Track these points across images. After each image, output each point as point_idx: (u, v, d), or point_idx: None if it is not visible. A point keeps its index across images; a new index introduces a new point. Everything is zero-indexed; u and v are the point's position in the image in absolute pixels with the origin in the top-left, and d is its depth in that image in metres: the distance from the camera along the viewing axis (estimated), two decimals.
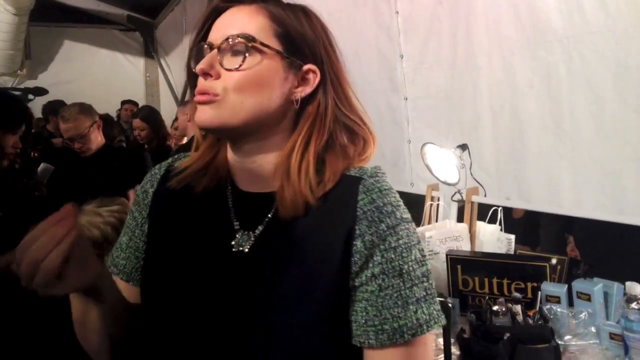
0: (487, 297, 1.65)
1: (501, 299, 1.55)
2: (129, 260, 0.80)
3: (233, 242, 0.71)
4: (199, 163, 0.77)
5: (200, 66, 0.70)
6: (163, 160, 0.86)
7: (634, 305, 1.39)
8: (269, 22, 0.72)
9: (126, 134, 4.51)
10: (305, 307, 0.66)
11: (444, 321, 0.68)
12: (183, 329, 0.70)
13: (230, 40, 0.70)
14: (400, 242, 0.68)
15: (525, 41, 1.93)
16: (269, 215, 0.72)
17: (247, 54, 0.69)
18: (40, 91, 4.41)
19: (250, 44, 0.70)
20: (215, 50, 0.71)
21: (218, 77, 0.70)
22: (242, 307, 0.67)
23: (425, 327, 0.66)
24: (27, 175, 2.94)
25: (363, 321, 0.66)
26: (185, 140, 3.21)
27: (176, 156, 0.85)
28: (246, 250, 0.70)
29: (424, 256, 0.70)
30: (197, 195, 0.76)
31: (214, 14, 0.75)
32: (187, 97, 4.59)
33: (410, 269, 0.67)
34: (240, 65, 0.69)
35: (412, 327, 0.65)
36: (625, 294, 1.44)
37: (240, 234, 0.72)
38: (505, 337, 1.44)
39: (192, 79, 0.77)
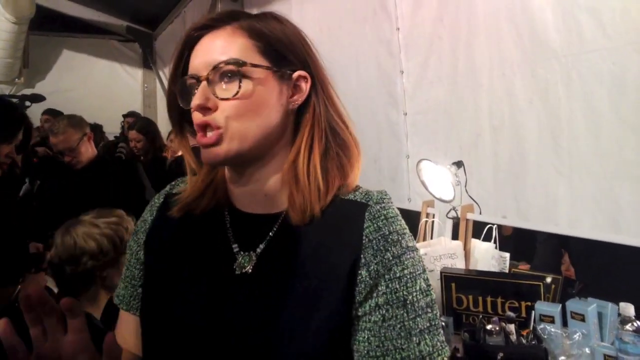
0: (480, 316, 1.64)
1: (495, 318, 1.55)
2: (126, 290, 0.80)
3: (235, 265, 0.70)
4: (198, 188, 0.76)
5: (196, 102, 0.68)
6: (159, 172, 0.85)
7: (628, 326, 1.39)
8: (249, 41, 0.70)
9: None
10: (309, 330, 0.65)
11: (447, 353, 0.67)
12: (186, 354, 0.68)
13: (219, 68, 0.68)
14: (405, 272, 0.67)
15: (524, 59, 1.95)
16: (270, 234, 0.71)
17: (240, 80, 0.68)
18: (37, 98, 4.40)
19: (241, 69, 0.68)
20: (204, 82, 0.68)
21: (216, 108, 0.68)
22: (247, 330, 0.66)
23: (428, 359, 0.65)
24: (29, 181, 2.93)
25: (365, 351, 0.65)
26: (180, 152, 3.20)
27: (174, 183, 0.84)
28: (249, 271, 0.69)
29: (428, 286, 0.69)
30: (196, 220, 0.75)
31: (188, 45, 0.72)
32: None
33: (415, 299, 0.66)
34: (237, 93, 0.67)
35: (414, 359, 0.64)
36: (619, 314, 1.44)
37: (241, 256, 0.71)
38: (499, 357, 1.43)
39: (175, 115, 0.75)
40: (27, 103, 4.24)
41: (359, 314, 0.67)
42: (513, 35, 1.98)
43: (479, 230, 2.09)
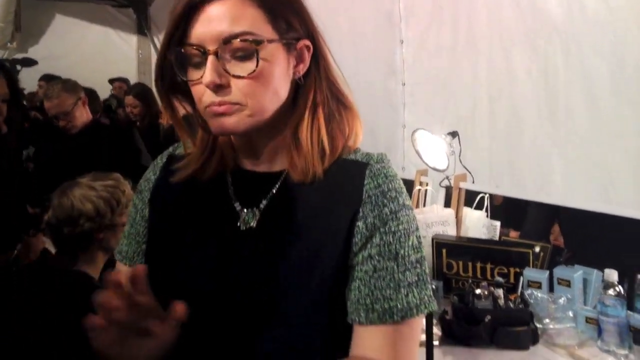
0: (470, 281, 1.69)
1: (484, 283, 1.59)
2: (130, 246, 0.81)
3: (239, 222, 0.72)
4: (201, 159, 0.76)
5: (210, 79, 0.65)
6: (155, 138, 0.86)
7: (610, 291, 1.43)
8: (257, 11, 0.66)
9: (114, 112, 4.44)
10: (312, 280, 0.67)
11: (434, 307, 0.70)
12: (191, 311, 0.71)
13: (230, 43, 0.65)
14: (400, 227, 0.69)
15: (525, 31, 1.95)
16: (273, 191, 0.73)
17: (258, 58, 0.65)
18: (28, 62, 4.33)
19: (258, 47, 0.65)
20: (213, 57, 0.65)
21: (228, 85, 0.66)
22: (252, 284, 0.68)
23: (415, 311, 0.67)
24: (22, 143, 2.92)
25: (355, 299, 0.68)
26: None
27: (176, 145, 0.85)
28: (254, 226, 0.71)
29: (420, 243, 0.71)
30: (198, 181, 0.76)
31: (188, 11, 0.66)
32: None
33: (406, 254, 0.69)
34: (253, 71, 0.65)
35: (402, 309, 0.67)
36: (603, 280, 1.48)
37: (244, 212, 0.73)
38: (486, 320, 1.48)
39: (166, 86, 0.72)
40: (18, 67, 4.18)
41: (353, 263, 0.69)
42: (514, 6, 1.97)
43: (471, 199, 2.12)
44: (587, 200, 1.80)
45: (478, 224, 1.98)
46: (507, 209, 2.61)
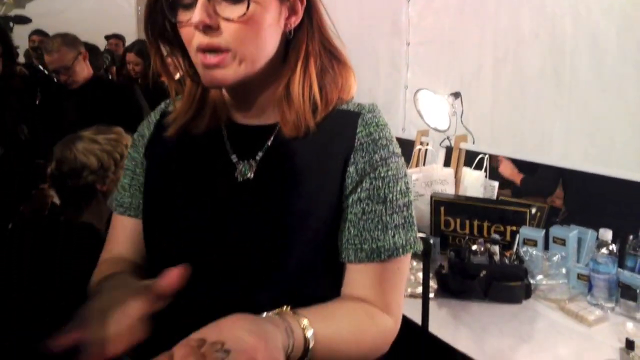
0: (467, 238, 1.72)
1: (480, 240, 1.62)
2: (134, 197, 0.82)
3: (236, 174, 0.73)
4: (191, 109, 0.76)
5: (198, 18, 0.63)
6: (157, 97, 0.85)
7: (603, 250, 1.47)
8: None
9: (106, 70, 4.37)
10: (309, 226, 0.69)
11: (420, 247, 0.73)
12: (191, 259, 0.69)
13: None
14: (389, 173, 0.71)
15: None
16: (268, 143, 0.74)
17: (249, 2, 0.64)
18: (22, 19, 4.24)
19: None
20: None
21: (218, 28, 0.65)
22: (251, 235, 0.70)
23: (401, 250, 0.70)
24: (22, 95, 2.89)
25: (345, 240, 0.71)
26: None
27: (168, 101, 0.84)
28: (251, 177, 0.72)
29: (408, 189, 0.74)
30: (192, 135, 0.76)
31: None
32: None
33: (394, 198, 0.71)
34: (244, 14, 0.64)
35: (389, 249, 0.70)
36: (597, 238, 1.51)
37: (241, 164, 0.74)
38: (481, 274, 1.52)
39: (155, 31, 0.71)
40: (11, 24, 4.09)
41: (344, 206, 0.72)
42: None
43: (471, 160, 2.14)
44: (587, 162, 1.82)
45: (476, 184, 2.00)
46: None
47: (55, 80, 2.68)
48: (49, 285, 1.70)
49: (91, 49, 2.90)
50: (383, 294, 0.70)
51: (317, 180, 0.71)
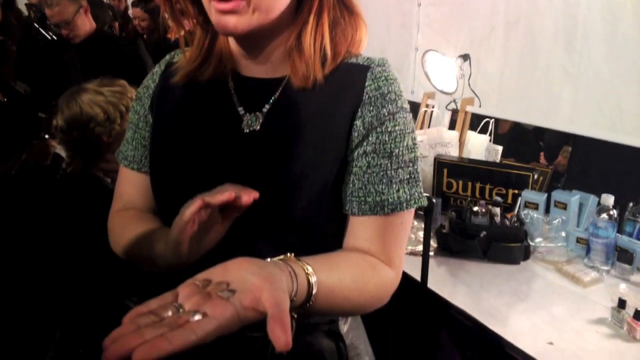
0: (468, 199, 1.74)
1: (482, 201, 1.64)
2: (137, 150, 0.82)
3: (243, 124, 0.73)
4: (199, 56, 0.76)
5: None
6: (164, 53, 0.85)
7: (604, 215, 1.48)
8: None
9: (111, 24, 4.30)
10: (314, 178, 0.70)
11: (424, 202, 0.73)
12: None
13: None
14: (397, 128, 0.71)
15: None
16: (275, 96, 0.73)
17: None
18: None
19: None
20: None
21: None
22: (256, 182, 0.70)
23: (405, 205, 0.70)
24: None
25: (349, 192, 0.72)
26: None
27: (173, 53, 0.84)
28: (257, 129, 0.73)
29: (414, 145, 0.73)
30: (198, 86, 0.76)
31: None
32: None
33: (400, 153, 0.71)
34: None
35: (392, 202, 0.70)
36: (599, 203, 1.53)
37: (247, 116, 0.74)
38: (481, 235, 1.54)
39: None
40: None
41: (349, 159, 0.72)
42: None
43: (476, 124, 2.13)
44: (593, 128, 1.81)
45: (480, 148, 2.00)
46: (511, 138, 2.61)
47: (51, 37, 2.65)
48: (53, 234, 1.73)
49: (95, 2, 2.85)
50: (385, 247, 0.71)
51: (324, 132, 0.71)
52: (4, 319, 1.84)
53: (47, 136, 2.19)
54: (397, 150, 0.71)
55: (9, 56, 2.82)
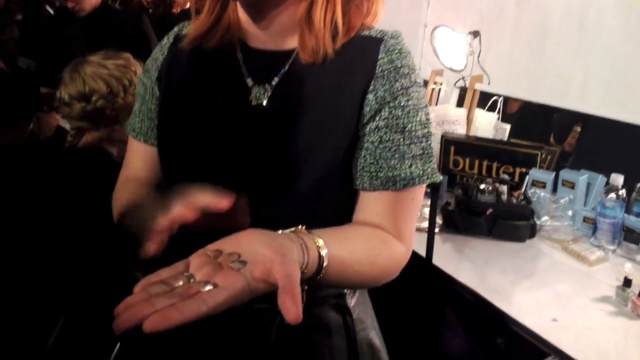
0: (475, 177, 1.73)
1: (489, 179, 1.63)
2: (143, 123, 0.82)
3: (251, 97, 0.72)
4: (207, 22, 0.75)
5: None
6: (168, 27, 0.83)
7: (613, 194, 1.47)
8: None
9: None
10: (321, 154, 0.69)
11: (438, 178, 0.72)
12: (202, 180, 0.70)
13: None
14: (410, 102, 0.70)
15: None
16: (285, 69, 0.72)
17: None
18: None
19: None
20: None
21: None
22: (262, 156, 0.70)
23: (417, 180, 0.69)
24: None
25: (361, 167, 0.71)
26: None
27: (181, 25, 0.83)
28: (264, 102, 0.71)
29: (428, 120, 0.72)
30: (207, 57, 0.75)
31: None
32: None
33: (413, 128, 0.70)
34: None
35: (404, 178, 0.69)
36: (607, 183, 1.52)
37: (256, 88, 0.72)
38: (487, 212, 1.54)
39: None
40: None
41: (361, 134, 0.71)
42: None
43: (485, 102, 2.11)
44: (602, 107, 1.79)
45: (488, 126, 1.98)
46: (519, 118, 2.59)
47: (55, 11, 2.63)
48: (56, 206, 1.74)
49: None
50: (396, 222, 0.70)
51: (334, 107, 0.70)
52: (10, 293, 1.85)
53: (47, 109, 2.19)
54: (410, 126, 0.70)
55: (11, 28, 2.81)
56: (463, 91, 2.15)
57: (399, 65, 0.70)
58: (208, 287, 0.44)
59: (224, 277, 0.45)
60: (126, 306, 0.41)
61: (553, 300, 1.26)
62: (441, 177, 0.73)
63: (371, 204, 0.71)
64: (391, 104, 0.69)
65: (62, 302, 1.62)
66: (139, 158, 0.84)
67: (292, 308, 0.43)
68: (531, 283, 1.34)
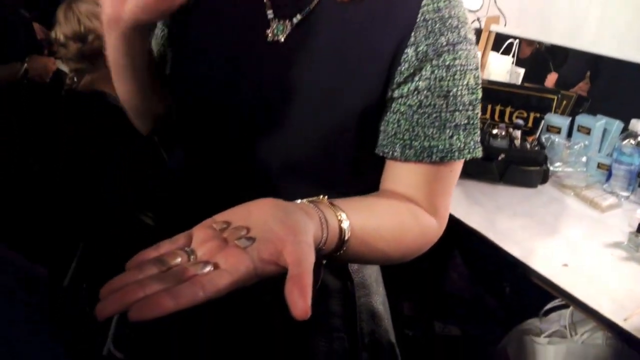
0: (488, 122, 1.68)
1: (502, 124, 1.58)
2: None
3: (268, 31, 0.64)
4: None
5: None
6: None
7: (631, 140, 1.43)
8: None
9: None
10: (340, 105, 0.61)
11: (479, 154, 0.63)
12: (213, 120, 0.67)
13: None
14: (457, 62, 0.60)
15: None
16: (311, 6, 0.63)
17: None
18: None
19: None
20: None
21: None
22: (272, 99, 0.63)
23: (457, 154, 0.61)
24: None
25: (392, 132, 0.62)
26: None
27: None
28: (281, 39, 0.64)
29: (477, 85, 0.63)
30: None
31: None
32: None
33: (459, 93, 0.60)
34: None
35: (443, 149, 0.61)
36: (625, 129, 1.47)
37: (275, 23, 0.64)
38: (499, 158, 1.50)
39: None
40: None
41: (395, 95, 0.62)
42: None
43: (499, 45, 2.03)
44: (620, 49, 1.71)
45: (502, 70, 1.92)
46: (532, 63, 2.51)
47: None
48: (54, 149, 1.71)
49: None
50: (430, 196, 0.63)
51: (362, 55, 0.61)
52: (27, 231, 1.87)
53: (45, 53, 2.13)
54: (455, 90, 0.60)
55: None
56: (478, 33, 2.06)
57: (447, 16, 0.59)
58: (208, 269, 0.39)
59: (227, 257, 0.40)
60: (111, 288, 0.36)
61: (564, 245, 1.24)
62: (482, 153, 0.64)
63: (402, 174, 0.63)
64: (434, 62, 0.59)
65: (79, 230, 1.62)
66: None
67: (299, 301, 0.37)
68: (542, 228, 1.32)
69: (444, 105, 0.60)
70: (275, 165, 0.64)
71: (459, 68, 0.60)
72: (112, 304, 0.34)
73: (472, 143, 0.62)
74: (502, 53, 2.01)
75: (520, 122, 1.59)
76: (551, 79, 2.55)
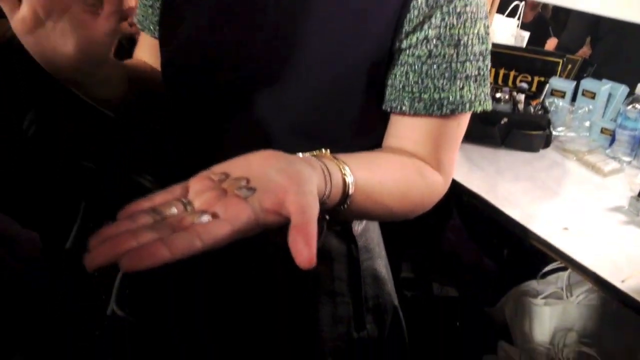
0: (491, 86, 1.65)
1: (506, 88, 1.55)
2: (140, 9, 0.73)
3: None
4: None
5: None
6: None
7: (636, 105, 1.41)
8: None
9: None
10: (345, 59, 0.58)
11: (489, 106, 0.62)
12: (211, 78, 0.64)
13: None
14: (468, 9, 0.57)
15: None
16: None
17: None
18: None
19: None
20: None
21: None
22: (274, 51, 0.60)
23: (467, 106, 0.59)
24: None
25: (401, 86, 0.60)
26: None
27: None
28: None
29: (487, 34, 0.60)
30: None
31: None
32: None
33: (470, 42, 0.58)
34: None
35: (453, 101, 0.59)
36: (631, 94, 1.45)
37: None
38: (502, 122, 1.48)
39: None
40: None
41: (403, 46, 0.59)
42: None
43: (504, 7, 1.98)
44: (624, 9, 1.66)
45: (507, 33, 1.88)
46: (536, 27, 2.46)
47: None
48: (61, 112, 1.69)
49: None
50: (437, 151, 0.61)
51: (367, 6, 0.58)
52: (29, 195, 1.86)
53: None
54: (466, 38, 0.58)
55: None
56: None
57: None
58: (206, 218, 0.36)
59: (226, 207, 0.37)
60: (103, 238, 0.33)
61: (565, 209, 1.24)
62: (491, 106, 0.62)
63: (408, 130, 0.61)
64: (444, 9, 0.57)
65: (80, 191, 1.61)
66: (146, 50, 0.77)
67: (304, 250, 0.34)
68: (543, 192, 1.31)
69: (455, 56, 0.58)
70: (278, 124, 0.61)
71: (470, 15, 0.58)
72: (101, 253, 0.32)
73: (482, 95, 0.60)
74: (507, 16, 1.96)
75: (524, 85, 1.56)
76: (551, 44, 2.51)
